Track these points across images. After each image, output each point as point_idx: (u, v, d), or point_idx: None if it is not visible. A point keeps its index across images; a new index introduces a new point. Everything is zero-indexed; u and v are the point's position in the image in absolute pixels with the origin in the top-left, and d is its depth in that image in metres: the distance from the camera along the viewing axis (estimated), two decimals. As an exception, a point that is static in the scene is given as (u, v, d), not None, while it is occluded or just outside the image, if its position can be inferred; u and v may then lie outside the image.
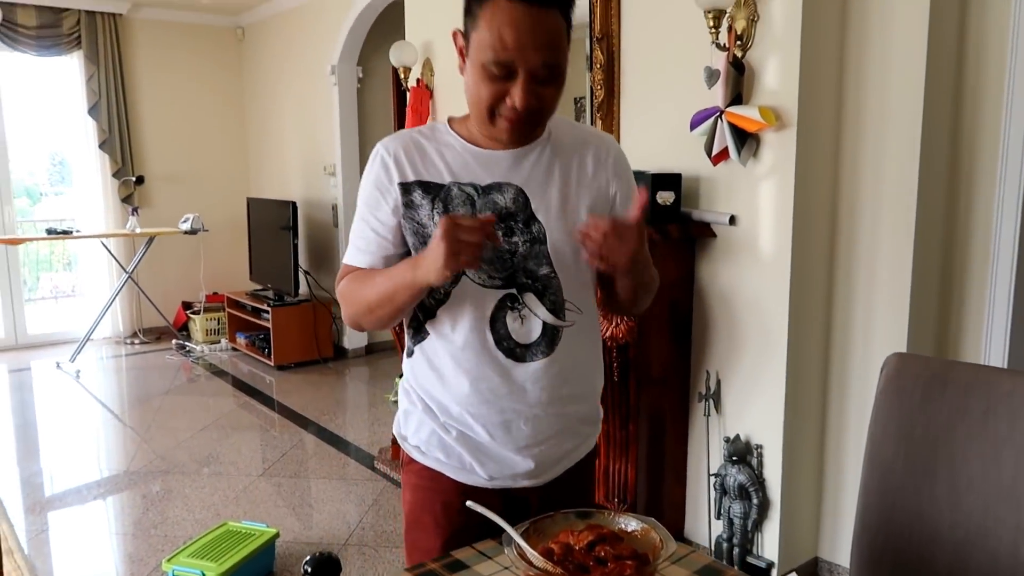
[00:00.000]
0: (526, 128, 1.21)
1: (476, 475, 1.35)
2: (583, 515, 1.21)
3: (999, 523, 1.32)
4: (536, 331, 1.28)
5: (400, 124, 4.56)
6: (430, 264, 1.13)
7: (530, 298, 1.27)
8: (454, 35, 1.22)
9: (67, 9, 5.85)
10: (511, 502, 1.37)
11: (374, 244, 1.28)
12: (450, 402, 1.33)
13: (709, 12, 2.28)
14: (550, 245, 1.27)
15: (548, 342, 1.29)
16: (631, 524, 1.19)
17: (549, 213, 1.26)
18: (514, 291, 1.27)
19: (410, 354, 1.36)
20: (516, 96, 1.14)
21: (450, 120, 1.32)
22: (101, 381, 5.39)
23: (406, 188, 1.25)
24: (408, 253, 1.29)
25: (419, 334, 1.33)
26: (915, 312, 2.27)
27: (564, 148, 1.30)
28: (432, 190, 1.25)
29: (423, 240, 1.25)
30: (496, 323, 1.27)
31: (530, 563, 1.08)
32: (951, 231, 2.34)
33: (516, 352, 1.28)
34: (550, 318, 1.28)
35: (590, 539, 1.14)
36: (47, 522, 3.20)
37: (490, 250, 1.23)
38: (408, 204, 1.25)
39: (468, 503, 1.22)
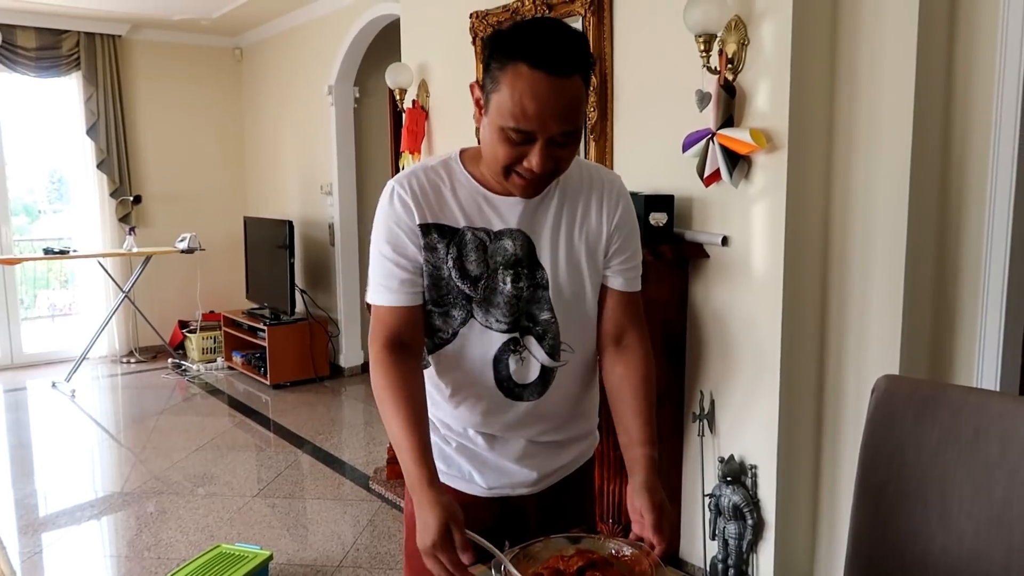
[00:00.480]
0: (540, 185, 1.23)
1: (475, 484, 1.40)
2: (574, 540, 1.21)
3: (991, 546, 1.33)
4: (534, 373, 1.33)
5: (396, 144, 4.58)
6: (418, 516, 1.14)
7: (531, 342, 1.32)
8: (472, 87, 1.22)
9: (66, 31, 5.90)
10: (509, 510, 1.41)
11: (407, 283, 1.27)
12: (451, 419, 1.39)
13: (700, 36, 2.31)
14: (552, 291, 1.30)
15: (543, 382, 1.34)
16: (624, 549, 1.20)
17: (552, 260, 1.29)
18: (517, 335, 1.31)
19: (425, 366, 1.39)
20: (534, 161, 1.15)
21: (462, 154, 1.32)
22: (97, 400, 5.38)
23: (425, 229, 1.26)
24: None
25: (425, 361, 1.36)
26: (908, 333, 2.27)
27: (572, 191, 1.32)
28: (447, 234, 1.27)
29: (436, 281, 1.28)
30: (499, 364, 1.32)
31: None
32: (942, 252, 2.35)
33: (514, 392, 1.33)
34: (548, 361, 1.33)
35: (580, 564, 1.14)
36: (41, 543, 3.19)
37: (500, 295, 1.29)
38: (427, 246, 1.26)
39: (468, 532, 1.24)
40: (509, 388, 1.33)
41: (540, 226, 1.29)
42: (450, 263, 1.27)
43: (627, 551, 1.19)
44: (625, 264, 1.36)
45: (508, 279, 1.28)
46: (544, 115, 1.11)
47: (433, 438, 1.37)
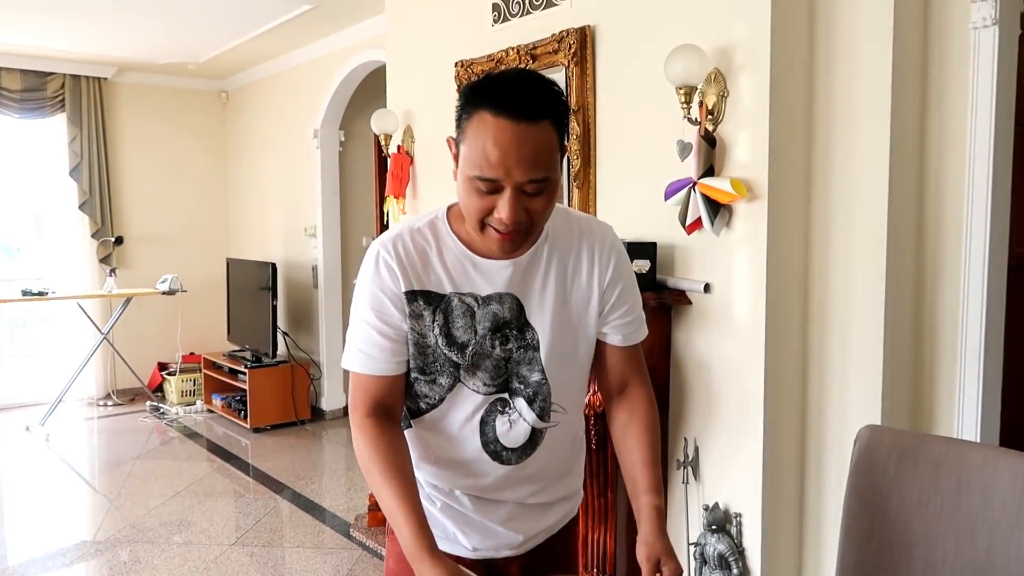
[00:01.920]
0: (517, 240, 1.18)
1: (460, 545, 1.36)
2: None
3: (976, 600, 1.32)
4: (524, 435, 1.30)
5: (382, 188, 4.61)
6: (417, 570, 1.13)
7: (521, 404, 1.29)
8: (448, 141, 1.20)
9: (52, 73, 5.92)
10: (493, 572, 1.38)
11: (387, 351, 1.24)
12: (436, 479, 1.35)
13: (681, 88, 2.36)
14: (543, 352, 1.27)
15: (531, 443, 1.31)
16: None
17: (543, 320, 1.26)
18: (506, 396, 1.28)
19: (407, 427, 1.36)
20: (503, 211, 1.12)
21: (449, 211, 1.29)
22: (72, 445, 5.27)
23: (411, 297, 1.23)
24: None
25: (406, 422, 1.33)
26: (888, 382, 2.29)
27: (562, 248, 1.29)
28: (434, 300, 1.24)
29: (422, 349, 1.25)
30: (486, 426, 1.29)
31: None
32: (921, 301, 2.38)
33: (502, 456, 1.31)
34: (538, 422, 1.30)
35: None
36: (9, 596, 3.10)
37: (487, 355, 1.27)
38: (412, 314, 1.23)
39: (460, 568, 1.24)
40: (495, 451, 1.30)
41: (530, 287, 1.26)
42: (436, 330, 1.24)
43: None
44: (623, 319, 1.34)
45: (497, 343, 1.25)
46: (507, 162, 1.09)
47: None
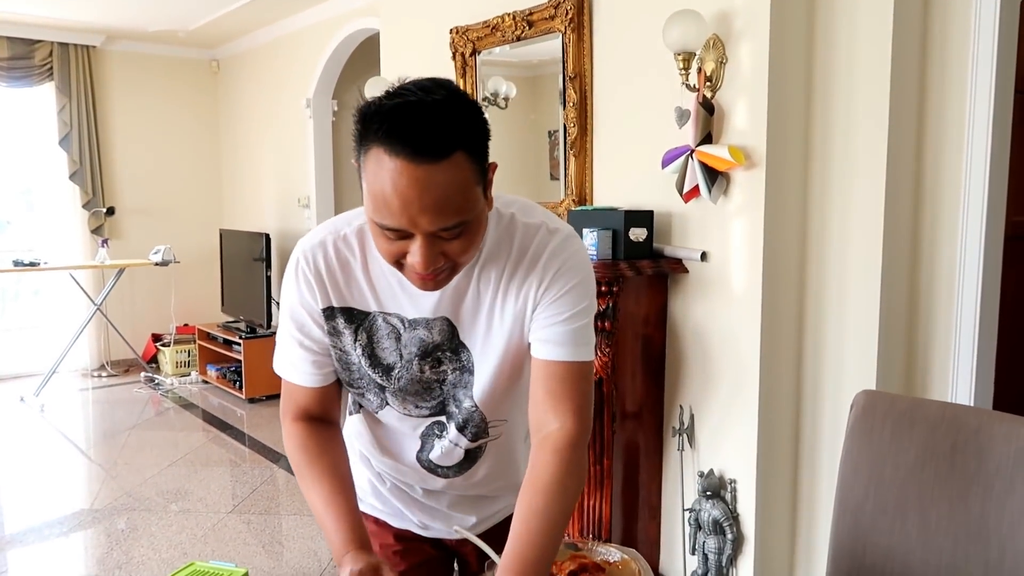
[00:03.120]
0: (440, 279, 1.03)
1: (411, 522, 1.34)
2: (570, 546, 1.23)
3: (968, 561, 1.34)
4: (459, 455, 1.24)
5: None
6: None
7: (453, 431, 1.21)
8: (356, 165, 0.98)
9: (39, 41, 5.82)
10: (445, 552, 1.37)
11: (310, 363, 1.15)
12: (382, 465, 1.32)
13: (679, 54, 2.33)
14: (477, 375, 1.15)
15: (469, 459, 1.25)
16: (613, 555, 1.22)
17: (475, 341, 1.13)
18: (443, 419, 1.21)
19: (350, 412, 1.32)
20: (415, 257, 0.96)
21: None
22: (67, 415, 5.27)
23: (329, 313, 1.12)
24: None
25: (356, 407, 1.28)
26: (884, 348, 2.30)
27: (496, 259, 1.10)
28: (356, 318, 1.13)
29: (345, 365, 1.16)
30: (424, 447, 1.24)
31: None
32: (917, 267, 2.38)
33: (438, 471, 1.26)
34: (472, 444, 1.23)
35: (571, 569, 1.16)
36: (7, 562, 3.11)
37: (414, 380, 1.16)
38: (332, 331, 1.13)
39: (455, 527, 1.23)
40: (432, 468, 1.25)
41: (460, 306, 1.11)
42: (359, 351, 1.14)
43: (616, 556, 1.22)
44: (548, 323, 1.09)
45: (427, 367, 1.15)
46: (411, 212, 0.91)
47: (367, 475, 1.33)
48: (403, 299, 1.12)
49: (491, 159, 1.00)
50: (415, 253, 0.96)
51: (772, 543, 2.53)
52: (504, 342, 1.13)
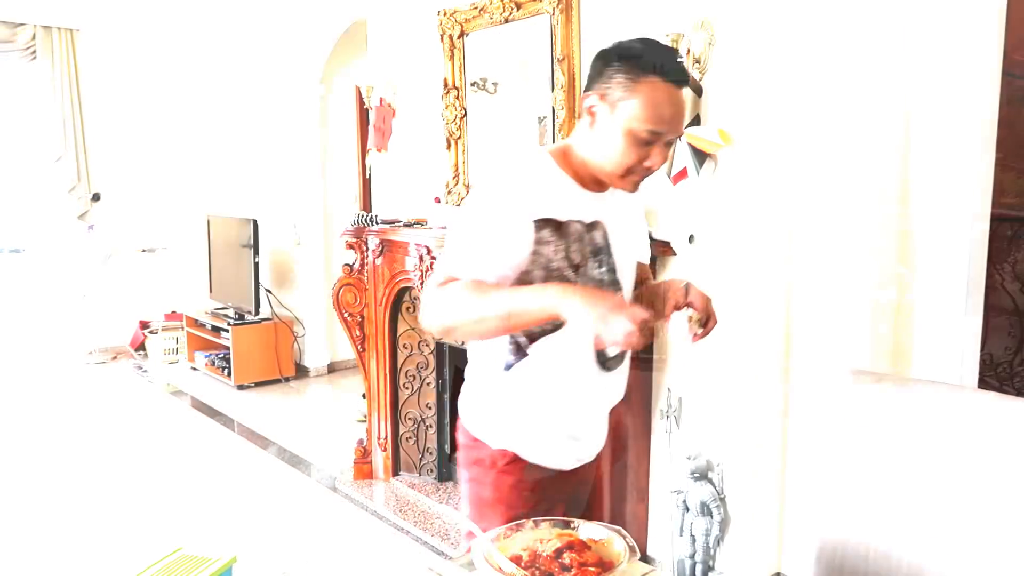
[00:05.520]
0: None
1: (562, 459, 1.52)
2: (557, 524, 1.28)
3: (955, 540, 1.35)
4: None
5: (363, 142, 4.54)
6: (582, 302, 1.20)
7: None
8: (587, 97, 1.36)
9: (22, 24, 5.74)
10: (585, 478, 1.60)
11: (499, 267, 1.33)
12: (542, 406, 1.48)
13: (668, 36, 2.32)
14: (619, 275, 1.46)
15: (621, 354, 1.52)
16: (599, 533, 1.25)
17: (619, 249, 1.46)
18: None
19: (508, 367, 1.45)
20: (656, 159, 1.34)
21: (551, 153, 1.43)
22: (53, 403, 5.24)
23: (538, 224, 1.34)
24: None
25: (518, 354, 1.43)
26: (872, 328, 2.31)
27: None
28: (556, 227, 1.36)
29: (549, 272, 1.36)
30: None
31: (500, 569, 1.13)
32: (904, 247, 2.39)
33: (607, 364, 1.49)
34: None
35: (558, 547, 1.18)
36: (-6, 550, 3.10)
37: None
38: (539, 240, 1.35)
39: (429, 567, 1.33)
40: (603, 361, 1.47)
41: (614, 221, 1.45)
42: (560, 255, 1.37)
43: (603, 534, 1.24)
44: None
45: (595, 267, 1.42)
46: (674, 118, 1.33)
47: (523, 419, 1.49)
48: (583, 207, 1.42)
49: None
50: (656, 156, 1.34)
51: (759, 524, 2.55)
52: (631, 247, 1.54)
